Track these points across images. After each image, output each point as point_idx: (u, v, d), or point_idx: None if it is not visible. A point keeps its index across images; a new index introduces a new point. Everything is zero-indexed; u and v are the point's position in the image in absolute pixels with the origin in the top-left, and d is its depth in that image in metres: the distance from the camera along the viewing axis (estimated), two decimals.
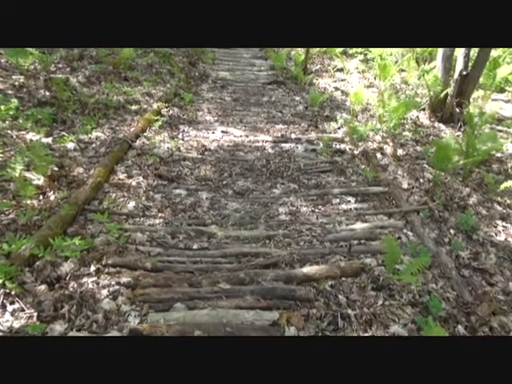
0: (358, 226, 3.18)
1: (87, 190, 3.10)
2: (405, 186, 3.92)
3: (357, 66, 7.62)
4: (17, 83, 5.05)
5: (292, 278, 2.58)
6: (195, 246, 2.85)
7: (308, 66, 7.41)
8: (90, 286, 2.33)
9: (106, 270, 2.48)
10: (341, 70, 7.67)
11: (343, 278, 2.63)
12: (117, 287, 2.36)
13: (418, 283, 2.47)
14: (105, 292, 2.31)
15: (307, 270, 2.64)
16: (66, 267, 2.41)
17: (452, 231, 3.31)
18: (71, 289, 2.28)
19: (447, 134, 5.44)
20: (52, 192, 3.13)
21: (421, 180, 4.08)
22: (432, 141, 5.11)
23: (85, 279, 2.38)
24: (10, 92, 4.82)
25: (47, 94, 4.92)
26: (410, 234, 3.17)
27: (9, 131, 3.94)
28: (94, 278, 2.39)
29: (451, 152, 3.85)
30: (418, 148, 4.92)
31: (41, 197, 3.07)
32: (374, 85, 7.15)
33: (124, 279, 2.41)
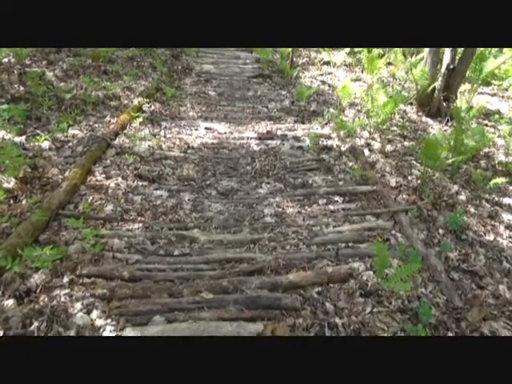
0: (346, 227, 3.08)
1: (61, 194, 2.93)
2: (393, 183, 3.84)
3: (344, 59, 7.50)
4: None
5: (277, 286, 2.47)
6: (176, 252, 2.71)
7: (294, 59, 7.27)
8: (63, 299, 2.19)
9: (81, 281, 2.33)
10: (328, 63, 7.54)
11: (331, 285, 2.53)
12: (91, 299, 2.22)
13: (408, 290, 2.38)
14: (78, 305, 2.17)
15: (293, 276, 2.54)
16: (37, 279, 2.26)
17: (441, 231, 3.23)
18: (42, 303, 2.14)
19: (435, 128, 5.39)
20: (24, 196, 2.96)
21: (409, 177, 4.00)
22: (420, 136, 5.04)
23: (57, 291, 2.23)
24: None
25: (21, 89, 4.69)
26: (398, 235, 3.08)
27: None
28: (67, 290, 2.24)
29: (440, 149, 3.78)
30: (406, 143, 4.84)
31: (11, 201, 2.89)
32: (361, 78, 7.05)
33: (99, 291, 2.27)
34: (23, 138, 3.74)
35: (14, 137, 3.71)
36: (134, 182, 3.42)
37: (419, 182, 3.84)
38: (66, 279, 2.31)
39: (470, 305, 2.51)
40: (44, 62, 5.59)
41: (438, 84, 5.49)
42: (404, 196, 3.62)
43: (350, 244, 2.91)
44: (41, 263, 2.30)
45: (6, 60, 5.28)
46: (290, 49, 7.11)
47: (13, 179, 3.03)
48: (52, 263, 2.35)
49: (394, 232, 3.10)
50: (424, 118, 5.65)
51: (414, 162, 4.34)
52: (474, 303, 2.53)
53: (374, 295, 2.49)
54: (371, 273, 2.63)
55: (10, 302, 2.10)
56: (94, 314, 2.14)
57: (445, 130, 5.21)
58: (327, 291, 2.49)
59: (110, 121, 4.37)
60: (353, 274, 2.61)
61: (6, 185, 2.99)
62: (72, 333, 2.00)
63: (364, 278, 2.60)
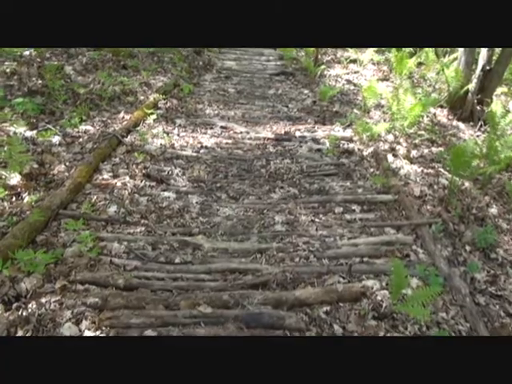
0: (362, 240, 2.85)
1: (64, 193, 2.83)
2: (417, 193, 3.56)
3: (371, 58, 7.18)
4: (8, 70, 4.80)
5: (282, 302, 2.28)
6: (177, 260, 2.56)
7: (319, 56, 7.01)
8: (52, 306, 2.07)
9: (73, 288, 2.21)
10: (354, 61, 7.24)
11: (341, 304, 2.32)
12: (82, 308, 2.09)
13: (427, 317, 2.14)
14: (68, 314, 2.05)
15: (300, 292, 2.34)
16: (28, 284, 2.15)
17: (468, 248, 2.96)
18: (29, 310, 2.02)
19: (466, 134, 5.04)
20: (27, 193, 2.87)
21: (435, 187, 3.71)
22: (449, 141, 4.72)
23: (47, 298, 2.12)
24: None
25: (39, 82, 4.66)
26: (419, 251, 2.83)
27: None
28: (58, 298, 2.12)
29: (471, 156, 3.48)
30: (434, 149, 4.53)
31: (14, 198, 2.81)
32: (389, 78, 6.72)
33: (91, 299, 2.14)
34: (34, 132, 3.68)
35: (25, 131, 3.65)
36: (141, 181, 3.29)
37: (446, 191, 3.55)
38: (58, 285, 2.19)
39: (497, 335, 2.25)
40: (64, 56, 5.57)
41: (471, 86, 5.14)
42: (428, 207, 3.34)
43: (365, 259, 2.68)
44: (33, 267, 2.19)
45: (27, 53, 5.28)
46: None
47: (18, 175, 2.96)
48: (45, 267, 2.24)
49: (414, 247, 2.85)
50: (455, 122, 5.30)
51: (442, 170, 4.03)
52: (501, 333, 2.27)
53: (389, 318, 2.27)
54: (386, 292, 2.41)
55: None
56: (84, 324, 2.01)
57: (477, 136, 4.86)
58: (336, 311, 2.28)
59: (123, 117, 4.27)
60: (366, 293, 2.39)
61: (10, 181, 2.91)
62: None
63: (378, 298, 2.38)
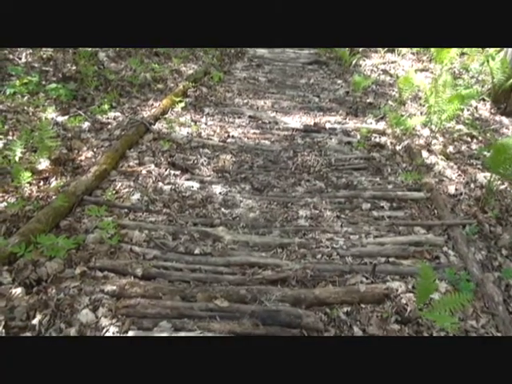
0: (389, 239, 2.72)
1: (89, 179, 2.86)
2: (451, 191, 3.37)
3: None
4: (45, 56, 4.90)
5: (301, 300, 2.21)
6: (197, 251, 2.53)
7: None
8: (71, 291, 2.09)
9: (92, 274, 2.23)
10: (392, 50, 6.94)
11: (362, 305, 2.22)
12: (100, 295, 2.10)
13: (455, 326, 2.01)
14: (86, 300, 2.06)
15: (320, 291, 2.26)
16: (49, 268, 2.18)
17: (504, 252, 2.77)
18: (49, 294, 2.05)
19: (510, 129, 4.73)
20: (54, 178, 2.93)
21: (472, 185, 3.50)
22: (491, 137, 4.44)
23: (67, 283, 2.14)
24: (36, 65, 4.68)
25: (73, 68, 4.74)
26: (451, 253, 2.67)
27: (25, 108, 3.79)
28: (77, 283, 2.14)
29: None
30: (474, 145, 4.28)
31: (41, 183, 2.87)
32: (428, 69, 6.41)
33: (109, 287, 2.14)
34: (65, 118, 3.74)
35: (56, 116, 3.72)
36: (166, 170, 3.28)
37: (483, 191, 3.34)
38: (78, 270, 2.21)
39: None
40: None
41: None
42: (463, 207, 3.16)
43: (391, 259, 2.56)
44: (55, 252, 2.22)
45: None
46: None
47: (46, 160, 3.01)
48: (66, 252, 2.27)
49: (445, 249, 2.69)
50: (498, 117, 4.99)
51: (481, 168, 3.80)
52: None
53: (413, 323, 2.15)
54: (412, 296, 2.29)
55: (18, 291, 2.03)
56: (100, 311, 2.02)
57: None
58: (357, 312, 2.19)
59: (152, 104, 4.28)
60: (390, 296, 2.28)
61: (39, 166, 2.97)
62: (73, 331, 1.89)
63: (403, 301, 2.26)
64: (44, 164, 2.98)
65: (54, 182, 2.88)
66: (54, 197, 2.70)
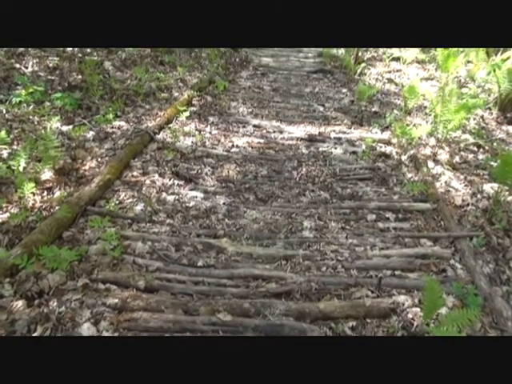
0: (395, 251, 2.69)
1: (93, 189, 2.85)
2: (458, 202, 3.33)
3: (416, 56, 6.84)
4: (51, 65, 4.93)
5: (305, 314, 2.17)
6: (200, 263, 2.51)
7: (360, 53, 6.76)
8: (73, 304, 2.07)
9: (95, 286, 2.21)
10: (397, 59, 6.93)
11: (368, 320, 2.18)
12: (102, 308, 2.08)
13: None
14: (87, 314, 2.04)
15: (325, 305, 2.22)
16: (51, 280, 2.17)
17: None
18: (50, 307, 2.03)
19: None
20: (58, 188, 2.92)
21: (478, 196, 3.45)
22: (498, 147, 4.40)
23: (69, 296, 2.12)
24: (42, 74, 4.71)
25: (79, 77, 4.76)
26: (458, 266, 2.63)
27: (31, 117, 3.80)
28: (79, 296, 2.12)
29: None
30: (480, 155, 4.23)
31: (45, 193, 2.86)
32: (434, 77, 6.39)
33: (111, 300, 2.12)
34: (70, 127, 3.75)
35: (61, 126, 3.73)
36: (170, 180, 3.27)
37: (491, 202, 3.29)
38: (80, 283, 2.20)
39: None
40: (105, 51, 5.67)
41: None
42: (470, 218, 3.11)
43: (397, 272, 2.52)
44: (57, 264, 2.20)
45: (69, 48, 5.41)
46: None
47: (50, 170, 3.01)
48: (69, 264, 2.25)
49: (452, 262, 2.65)
50: (505, 127, 4.95)
51: (488, 178, 3.76)
52: None
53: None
54: (419, 310, 2.24)
55: (19, 303, 2.02)
56: (102, 325, 2.00)
57: None
58: (363, 327, 2.15)
59: (157, 113, 4.28)
60: (396, 310, 2.24)
61: (42, 176, 2.96)
62: None
63: (409, 316, 2.22)
64: (48, 174, 2.98)
65: (57, 193, 2.87)
66: (57, 207, 2.69)
